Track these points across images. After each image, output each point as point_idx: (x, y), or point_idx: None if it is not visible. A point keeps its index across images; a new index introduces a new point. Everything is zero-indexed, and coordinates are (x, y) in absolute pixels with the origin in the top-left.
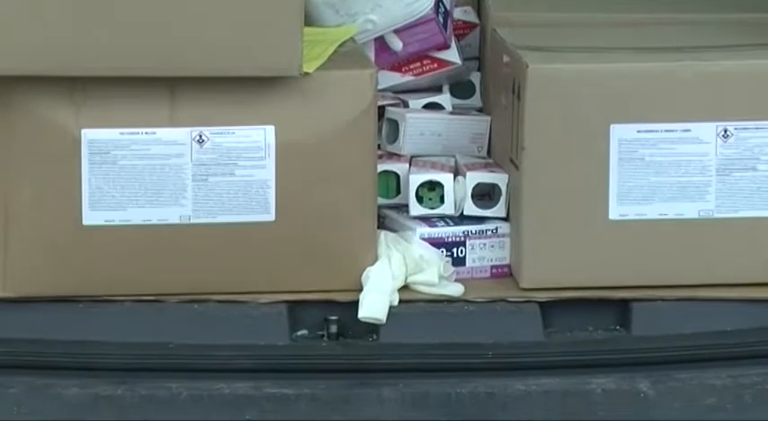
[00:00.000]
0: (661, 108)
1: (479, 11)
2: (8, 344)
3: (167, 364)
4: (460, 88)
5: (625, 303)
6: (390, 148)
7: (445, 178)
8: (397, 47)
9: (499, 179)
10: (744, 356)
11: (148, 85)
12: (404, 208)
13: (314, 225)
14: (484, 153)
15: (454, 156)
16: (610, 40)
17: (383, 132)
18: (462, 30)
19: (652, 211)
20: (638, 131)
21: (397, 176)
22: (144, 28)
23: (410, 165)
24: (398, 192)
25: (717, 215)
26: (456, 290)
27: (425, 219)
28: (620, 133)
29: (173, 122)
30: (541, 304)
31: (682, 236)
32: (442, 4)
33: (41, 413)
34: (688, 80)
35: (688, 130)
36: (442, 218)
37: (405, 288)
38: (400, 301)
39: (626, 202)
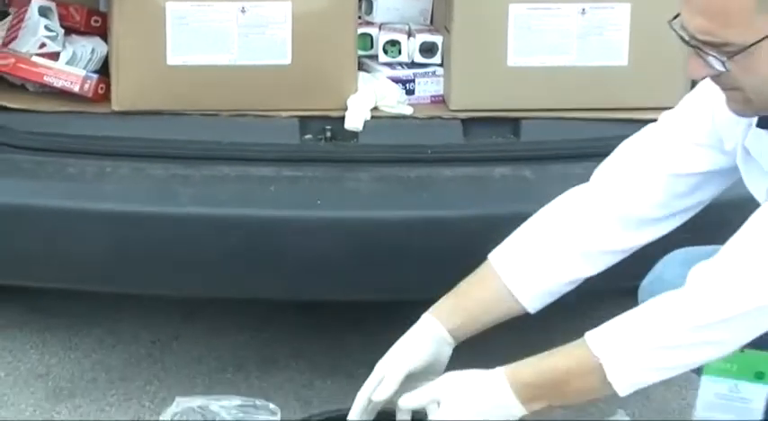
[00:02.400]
0: None
1: None
2: (117, 141)
3: (220, 154)
4: None
5: (517, 120)
6: (367, 18)
7: (402, 38)
8: None
9: (437, 39)
10: (593, 155)
11: None
12: (375, 57)
13: (316, 66)
14: (427, 22)
15: (408, 24)
16: None
17: (362, 7)
18: None
19: (535, 61)
20: (527, 9)
21: (371, 37)
22: None
23: (379, 29)
24: (372, 46)
25: (576, 64)
26: (408, 110)
27: (389, 65)
28: (515, 10)
29: None
30: (462, 120)
31: (555, 77)
32: None
33: (135, 184)
34: None
35: (559, 8)
36: (400, 64)
37: (375, 108)
38: (372, 117)
39: (519, 55)
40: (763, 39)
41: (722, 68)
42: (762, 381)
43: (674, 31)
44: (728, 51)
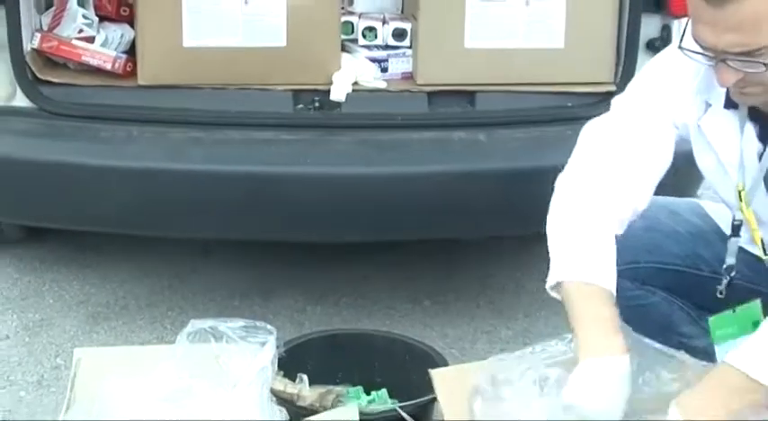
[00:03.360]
0: None
1: None
2: (142, 110)
3: (228, 121)
4: None
5: (473, 93)
6: (349, 9)
7: (378, 25)
8: None
9: (407, 26)
10: (535, 121)
11: None
12: (355, 41)
13: (307, 48)
14: (399, 12)
15: (383, 14)
16: None
17: (345, 0)
18: None
19: (489, 44)
20: (481, 1)
21: (352, 24)
22: None
23: (359, 17)
24: (353, 32)
25: (522, 46)
26: (382, 84)
27: (367, 47)
28: (471, 2)
29: None
30: (427, 93)
31: (504, 57)
32: None
33: (157, 146)
34: None
35: (507, 0)
36: (376, 46)
37: (355, 83)
38: (353, 90)
39: (474, 38)
40: None
41: (763, 69)
42: (756, 328)
43: (689, 55)
44: (763, 53)
